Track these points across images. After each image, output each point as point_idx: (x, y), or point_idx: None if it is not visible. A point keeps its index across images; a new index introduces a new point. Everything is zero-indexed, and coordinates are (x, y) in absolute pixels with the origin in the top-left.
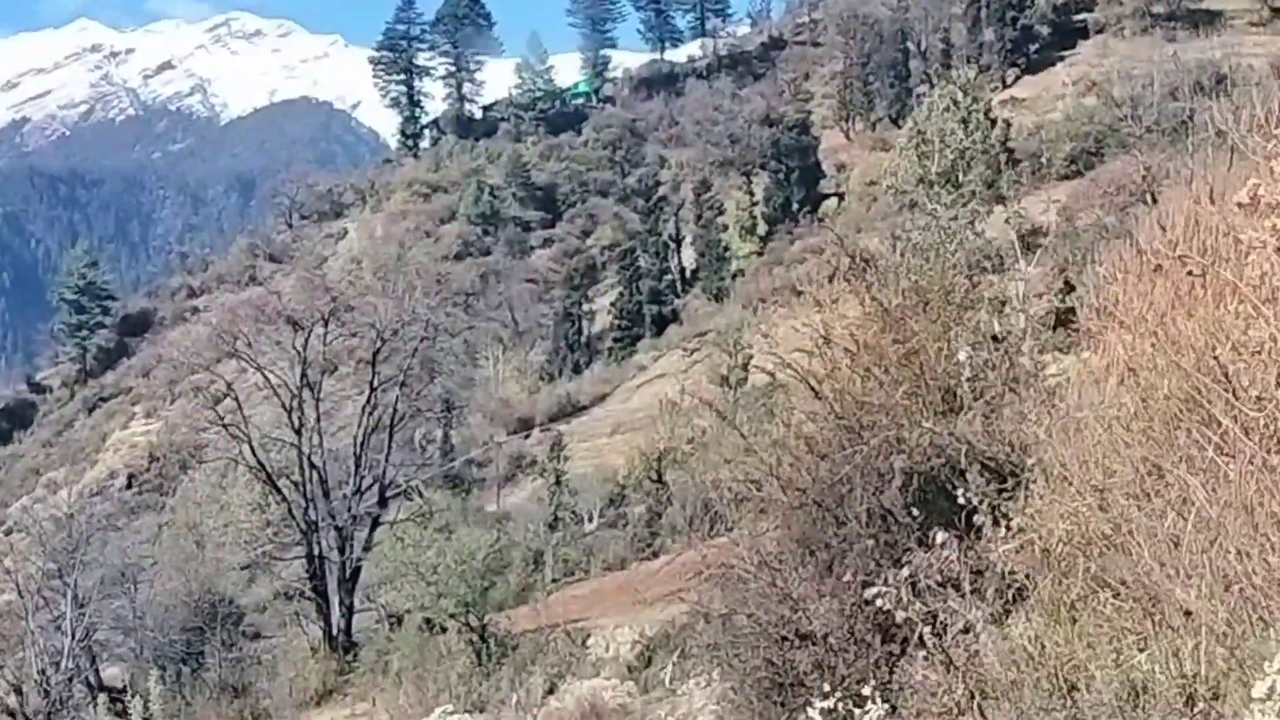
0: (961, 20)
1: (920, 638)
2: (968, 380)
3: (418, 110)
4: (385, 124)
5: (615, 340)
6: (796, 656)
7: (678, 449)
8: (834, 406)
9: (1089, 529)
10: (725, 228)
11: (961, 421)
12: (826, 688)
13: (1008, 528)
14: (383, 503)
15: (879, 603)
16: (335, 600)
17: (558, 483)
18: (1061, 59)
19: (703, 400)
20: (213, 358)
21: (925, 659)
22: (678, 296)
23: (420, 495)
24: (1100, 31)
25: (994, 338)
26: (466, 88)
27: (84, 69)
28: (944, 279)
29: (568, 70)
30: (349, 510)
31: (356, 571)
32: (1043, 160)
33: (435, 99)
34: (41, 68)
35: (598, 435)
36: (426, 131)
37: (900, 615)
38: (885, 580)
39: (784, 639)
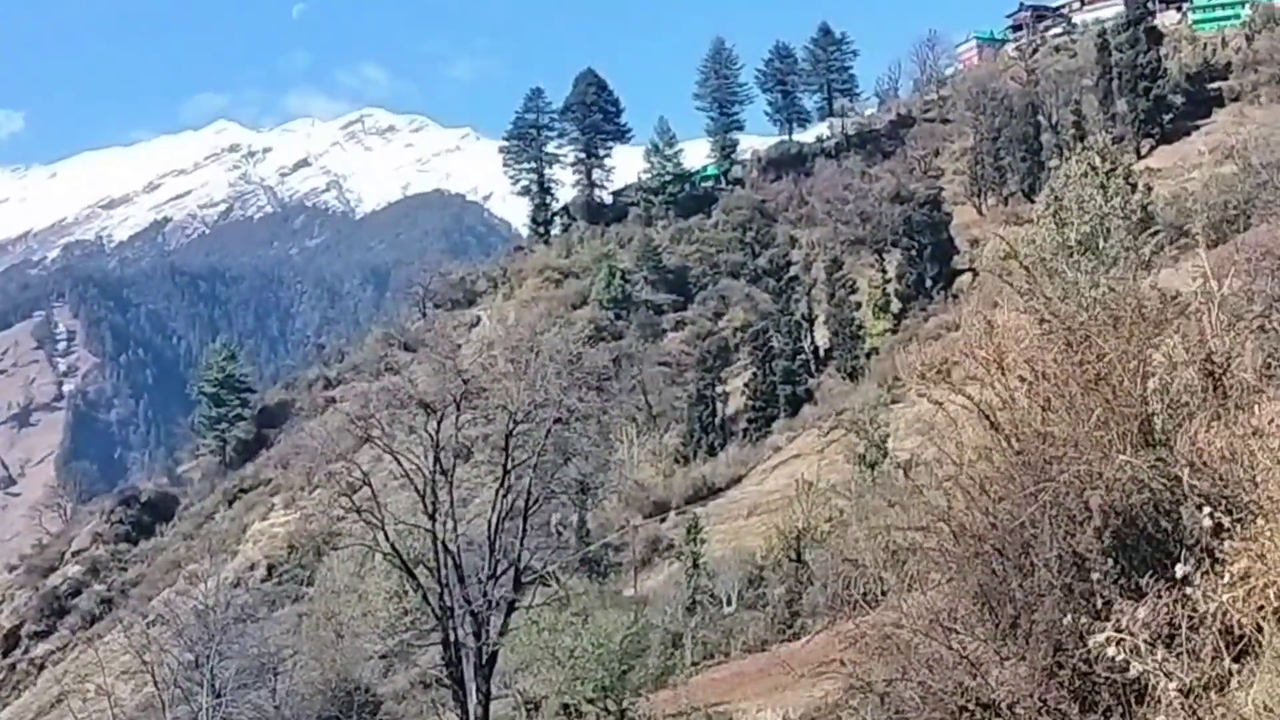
0: (1093, 92)
1: (1128, 705)
2: (1167, 407)
3: (548, 197)
4: (517, 214)
5: (750, 421)
6: None
7: (816, 528)
8: (1012, 440)
9: None
10: (858, 306)
11: (1177, 449)
12: None
13: (1227, 573)
14: (518, 587)
15: (1109, 651)
16: (472, 687)
17: (695, 565)
18: (1197, 128)
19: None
20: (349, 446)
21: None
22: (811, 376)
23: (556, 580)
24: (1235, 99)
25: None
26: (596, 174)
27: (222, 169)
28: (1136, 291)
29: (696, 154)
30: (484, 595)
31: (493, 658)
32: (1182, 229)
33: (565, 185)
34: (182, 169)
35: (734, 517)
36: (557, 218)
37: (1106, 676)
38: (1086, 634)
39: (962, 709)
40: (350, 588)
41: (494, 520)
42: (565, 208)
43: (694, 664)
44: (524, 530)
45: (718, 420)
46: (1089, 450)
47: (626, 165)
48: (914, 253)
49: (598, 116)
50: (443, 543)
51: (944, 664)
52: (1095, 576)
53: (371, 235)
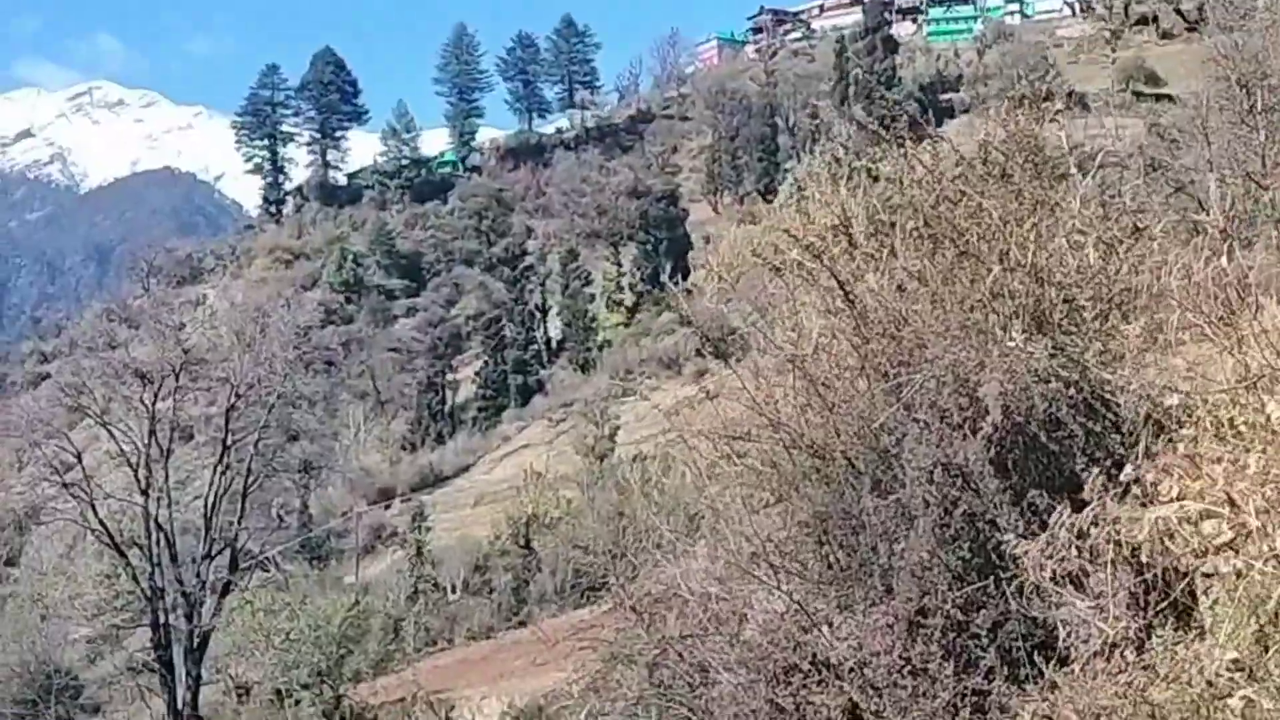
0: (829, 97)
1: (1031, 663)
2: (1073, 284)
3: (281, 176)
4: (249, 196)
5: (480, 410)
6: (811, 703)
7: (546, 514)
8: (869, 323)
9: None
10: (592, 298)
11: (1080, 338)
12: None
13: (1156, 499)
14: (234, 570)
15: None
16: (181, 672)
17: (419, 553)
18: (929, 137)
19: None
20: (62, 422)
21: (1042, 696)
22: (544, 367)
23: (275, 565)
24: (966, 111)
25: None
26: (331, 154)
27: None
28: (1031, 133)
29: (435, 141)
30: (198, 576)
31: (205, 641)
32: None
33: (299, 166)
34: None
35: (461, 506)
36: (290, 198)
37: (989, 627)
38: (962, 574)
39: (788, 670)
40: (59, 569)
41: (211, 498)
42: (299, 188)
43: (416, 650)
44: (242, 510)
45: (447, 408)
46: (964, 338)
47: (363, 148)
48: (650, 247)
49: (335, 96)
50: (155, 520)
51: (759, 617)
52: (986, 494)
53: (96, 211)
